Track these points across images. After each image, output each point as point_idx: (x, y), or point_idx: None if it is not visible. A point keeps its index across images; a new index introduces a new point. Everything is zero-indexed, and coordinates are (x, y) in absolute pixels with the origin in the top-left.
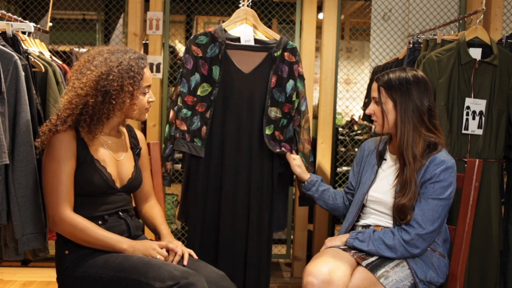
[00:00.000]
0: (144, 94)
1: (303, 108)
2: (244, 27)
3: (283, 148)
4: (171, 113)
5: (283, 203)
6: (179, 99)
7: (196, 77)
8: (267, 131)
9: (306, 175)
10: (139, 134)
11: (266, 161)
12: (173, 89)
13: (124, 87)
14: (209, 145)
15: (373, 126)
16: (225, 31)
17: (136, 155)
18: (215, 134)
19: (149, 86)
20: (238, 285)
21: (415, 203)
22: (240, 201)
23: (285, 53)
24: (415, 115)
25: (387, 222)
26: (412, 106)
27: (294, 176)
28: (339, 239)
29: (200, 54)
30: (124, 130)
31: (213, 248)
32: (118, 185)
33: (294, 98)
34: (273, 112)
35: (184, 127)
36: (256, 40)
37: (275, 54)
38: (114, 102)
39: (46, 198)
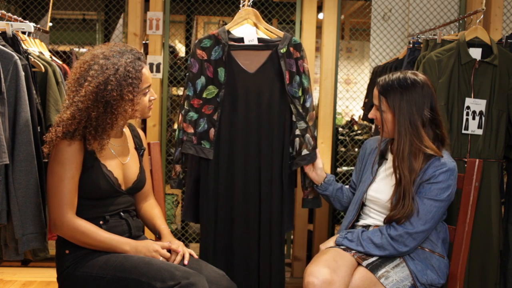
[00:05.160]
0: (145, 94)
1: (307, 105)
2: (246, 27)
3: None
4: (180, 117)
5: (289, 204)
6: (186, 103)
7: (202, 80)
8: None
9: (323, 175)
10: (141, 133)
11: (275, 161)
12: (173, 89)
13: (124, 95)
14: (217, 147)
15: (373, 126)
16: (228, 32)
17: (141, 155)
18: (223, 135)
19: (149, 86)
20: (253, 286)
21: (412, 214)
22: (251, 201)
23: (291, 49)
24: (414, 128)
25: None
26: (411, 118)
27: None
28: (331, 241)
29: (205, 57)
30: (126, 129)
31: (227, 250)
32: (123, 188)
33: (300, 94)
34: (295, 109)
35: (191, 130)
36: (259, 39)
37: (282, 51)
38: (116, 112)
39: (49, 201)
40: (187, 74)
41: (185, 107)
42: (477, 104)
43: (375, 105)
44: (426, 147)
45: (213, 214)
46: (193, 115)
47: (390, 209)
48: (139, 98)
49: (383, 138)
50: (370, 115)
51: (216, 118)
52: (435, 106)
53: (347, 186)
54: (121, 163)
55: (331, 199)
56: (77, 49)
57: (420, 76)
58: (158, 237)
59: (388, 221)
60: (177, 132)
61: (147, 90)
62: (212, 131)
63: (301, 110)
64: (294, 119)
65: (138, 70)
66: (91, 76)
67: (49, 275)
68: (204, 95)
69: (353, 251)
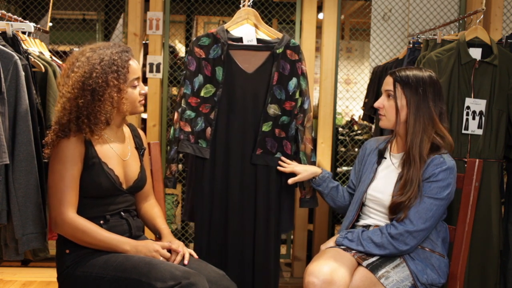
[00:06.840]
0: (134, 87)
1: (306, 107)
2: (246, 27)
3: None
4: (175, 115)
5: (288, 204)
6: (183, 101)
7: (200, 78)
8: (265, 128)
9: (317, 171)
10: (141, 133)
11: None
12: (173, 89)
13: (109, 81)
14: (214, 146)
15: (373, 126)
16: (227, 31)
17: (141, 155)
18: (220, 134)
19: (138, 79)
20: (247, 287)
21: (414, 203)
22: (246, 201)
23: (287, 51)
24: (427, 117)
25: (387, 222)
26: (425, 107)
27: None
28: (331, 241)
29: (203, 56)
30: (127, 129)
31: (221, 249)
32: (124, 186)
33: (297, 96)
34: (272, 109)
35: (188, 129)
36: (258, 40)
37: (277, 51)
38: (102, 98)
39: (49, 199)
40: (183, 71)
41: (182, 105)
42: (477, 104)
43: (387, 91)
44: (435, 137)
45: (207, 214)
46: (190, 113)
47: (393, 194)
48: (127, 87)
49: (387, 128)
50: (376, 104)
51: (213, 117)
52: (443, 101)
53: (345, 186)
54: (121, 162)
55: (325, 196)
56: (77, 49)
57: (433, 73)
58: (158, 237)
59: (392, 206)
60: (172, 131)
61: (136, 83)
62: (209, 130)
63: (279, 112)
64: (271, 113)
65: (125, 61)
66: (77, 67)
67: (49, 275)
68: (201, 94)
69: (353, 251)
